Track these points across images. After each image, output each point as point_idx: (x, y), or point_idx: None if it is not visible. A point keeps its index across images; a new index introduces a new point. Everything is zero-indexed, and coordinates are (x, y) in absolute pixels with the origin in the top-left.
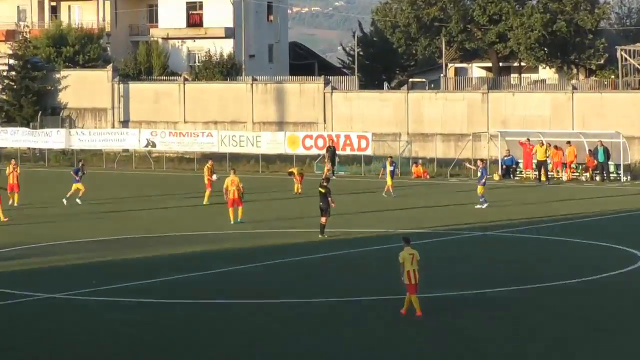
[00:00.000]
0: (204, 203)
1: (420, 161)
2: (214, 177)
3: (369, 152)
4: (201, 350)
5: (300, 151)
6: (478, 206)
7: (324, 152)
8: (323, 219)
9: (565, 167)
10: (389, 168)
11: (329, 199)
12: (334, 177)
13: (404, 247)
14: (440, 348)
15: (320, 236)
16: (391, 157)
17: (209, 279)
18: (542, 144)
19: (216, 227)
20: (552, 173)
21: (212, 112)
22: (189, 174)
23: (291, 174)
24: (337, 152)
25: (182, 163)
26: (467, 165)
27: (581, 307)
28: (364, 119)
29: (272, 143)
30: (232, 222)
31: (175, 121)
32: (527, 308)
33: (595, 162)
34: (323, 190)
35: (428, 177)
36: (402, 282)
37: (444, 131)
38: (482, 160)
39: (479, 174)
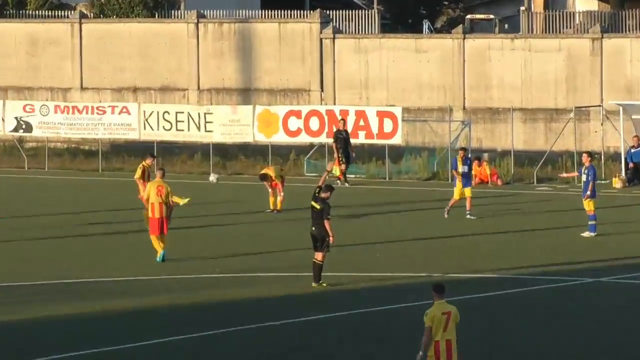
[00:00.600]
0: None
1: (485, 155)
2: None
3: (397, 139)
4: None
5: (280, 138)
6: (587, 233)
7: (326, 141)
8: (318, 256)
9: None
10: (460, 168)
11: (326, 222)
12: (346, 185)
13: (433, 301)
14: None
15: (314, 284)
16: (464, 148)
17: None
18: None
19: (141, 269)
20: None
21: (130, 72)
22: (92, 178)
23: (265, 178)
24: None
25: (77, 158)
26: (564, 175)
27: None
28: (389, 83)
29: (233, 125)
30: (158, 259)
31: (65, 87)
32: None
33: None
34: (318, 206)
35: (499, 182)
36: None
37: (526, 104)
38: (588, 154)
39: (583, 178)
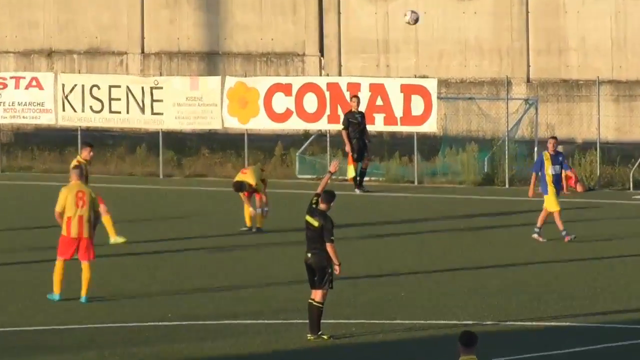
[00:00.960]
0: (112, 241)
1: (559, 149)
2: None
3: (431, 126)
4: None
5: (261, 124)
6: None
7: (329, 128)
8: (317, 295)
9: None
10: (549, 167)
11: (329, 246)
12: (357, 192)
13: (459, 356)
14: None
15: (310, 337)
16: (555, 137)
17: None
18: None
19: (58, 314)
20: None
21: (43, 28)
22: None
23: (240, 187)
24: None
25: None
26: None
27: None
28: (419, 45)
29: (192, 105)
30: (56, 297)
31: None
32: None
33: None
34: (316, 223)
35: (579, 187)
36: None
37: (619, 75)
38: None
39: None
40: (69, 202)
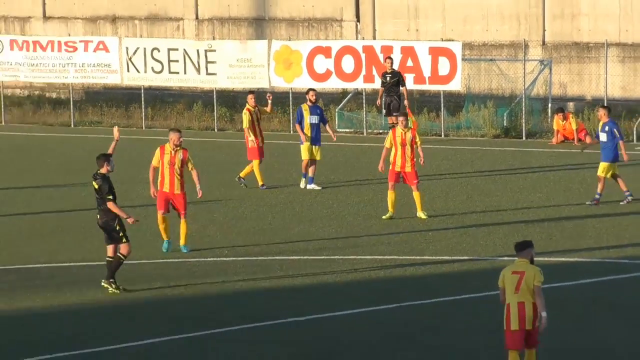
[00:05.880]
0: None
1: (570, 105)
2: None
3: (456, 85)
4: None
5: (304, 83)
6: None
7: (364, 86)
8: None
9: None
10: (307, 119)
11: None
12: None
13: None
14: None
15: None
16: (313, 90)
17: None
18: None
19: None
20: None
21: None
22: (63, 134)
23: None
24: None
25: (42, 109)
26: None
27: None
28: (445, 10)
29: (242, 66)
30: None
31: (24, 17)
32: None
33: None
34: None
35: (589, 140)
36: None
37: (625, 38)
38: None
39: (602, 138)
40: (161, 158)
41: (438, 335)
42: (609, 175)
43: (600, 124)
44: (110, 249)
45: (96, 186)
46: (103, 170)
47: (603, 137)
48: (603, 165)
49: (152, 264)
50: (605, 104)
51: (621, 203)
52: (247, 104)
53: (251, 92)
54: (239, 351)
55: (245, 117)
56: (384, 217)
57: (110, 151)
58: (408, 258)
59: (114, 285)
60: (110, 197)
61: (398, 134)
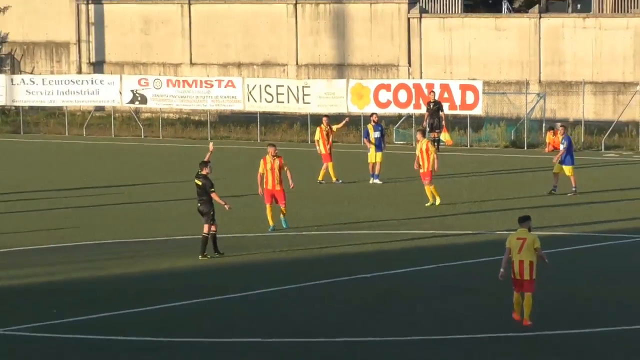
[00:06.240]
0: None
1: (558, 125)
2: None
3: (478, 110)
4: None
5: (372, 109)
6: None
7: (414, 112)
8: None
9: None
10: (372, 134)
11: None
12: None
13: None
14: None
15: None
16: (375, 114)
17: (215, 309)
18: None
19: (250, 229)
20: None
21: (234, 48)
22: (199, 145)
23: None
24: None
25: (188, 128)
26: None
27: None
28: (471, 59)
29: (328, 97)
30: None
31: (176, 63)
32: None
33: None
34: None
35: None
36: (502, 275)
37: (597, 78)
38: (563, 125)
39: (561, 146)
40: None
41: (476, 282)
42: (570, 173)
43: (560, 137)
44: (206, 227)
45: (199, 183)
46: (204, 172)
47: (561, 147)
48: (565, 167)
49: (262, 236)
50: (562, 124)
51: (550, 194)
52: (321, 124)
53: (325, 116)
54: (323, 296)
55: (317, 132)
56: (426, 204)
57: (206, 159)
58: (443, 232)
59: (207, 255)
60: (213, 189)
61: (420, 146)
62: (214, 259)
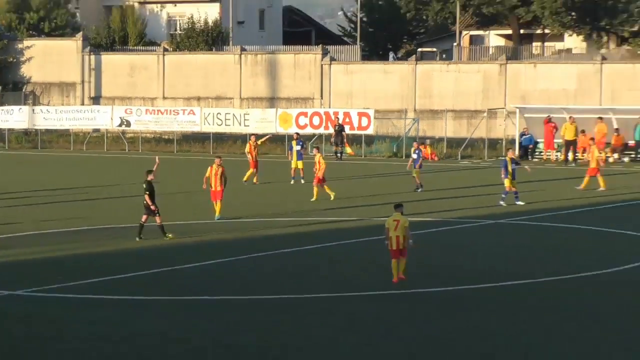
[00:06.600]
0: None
1: (428, 141)
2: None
3: (370, 130)
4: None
5: (293, 130)
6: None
7: (324, 132)
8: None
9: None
10: (295, 147)
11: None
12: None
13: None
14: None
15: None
16: (297, 133)
17: (192, 273)
18: (573, 121)
19: (200, 217)
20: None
21: (195, 86)
22: (169, 156)
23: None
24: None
25: (160, 144)
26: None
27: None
28: (366, 94)
29: (262, 122)
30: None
31: (152, 97)
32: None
33: (630, 142)
34: None
35: (436, 159)
36: (386, 247)
37: (455, 107)
38: (418, 143)
39: (414, 156)
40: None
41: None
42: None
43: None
44: (145, 218)
45: (144, 186)
46: (148, 178)
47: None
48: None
49: (210, 223)
50: (416, 142)
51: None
52: (249, 140)
53: (253, 134)
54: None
55: (247, 146)
56: (311, 200)
57: (153, 169)
58: (333, 219)
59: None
60: (147, 192)
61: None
62: (165, 240)
